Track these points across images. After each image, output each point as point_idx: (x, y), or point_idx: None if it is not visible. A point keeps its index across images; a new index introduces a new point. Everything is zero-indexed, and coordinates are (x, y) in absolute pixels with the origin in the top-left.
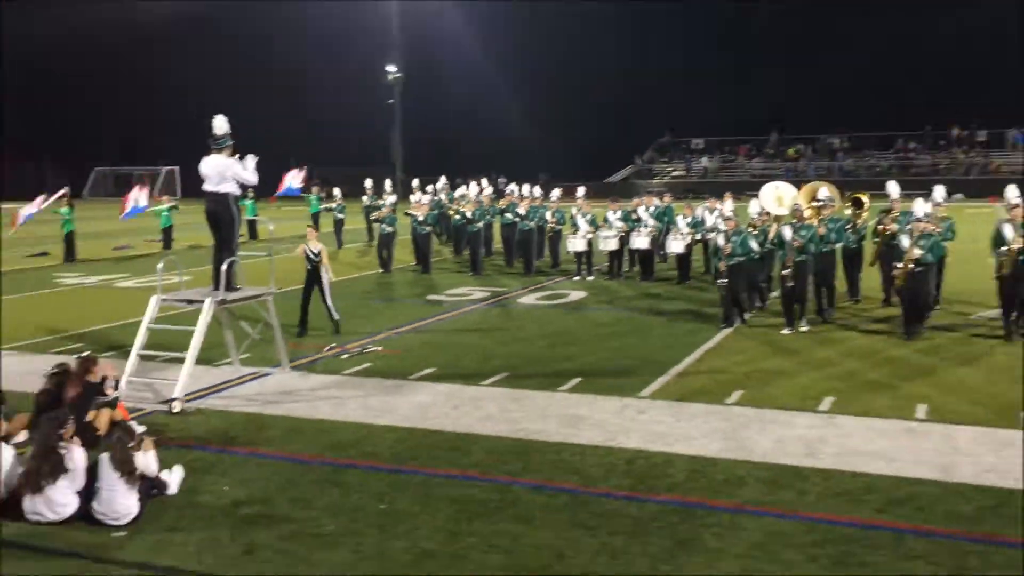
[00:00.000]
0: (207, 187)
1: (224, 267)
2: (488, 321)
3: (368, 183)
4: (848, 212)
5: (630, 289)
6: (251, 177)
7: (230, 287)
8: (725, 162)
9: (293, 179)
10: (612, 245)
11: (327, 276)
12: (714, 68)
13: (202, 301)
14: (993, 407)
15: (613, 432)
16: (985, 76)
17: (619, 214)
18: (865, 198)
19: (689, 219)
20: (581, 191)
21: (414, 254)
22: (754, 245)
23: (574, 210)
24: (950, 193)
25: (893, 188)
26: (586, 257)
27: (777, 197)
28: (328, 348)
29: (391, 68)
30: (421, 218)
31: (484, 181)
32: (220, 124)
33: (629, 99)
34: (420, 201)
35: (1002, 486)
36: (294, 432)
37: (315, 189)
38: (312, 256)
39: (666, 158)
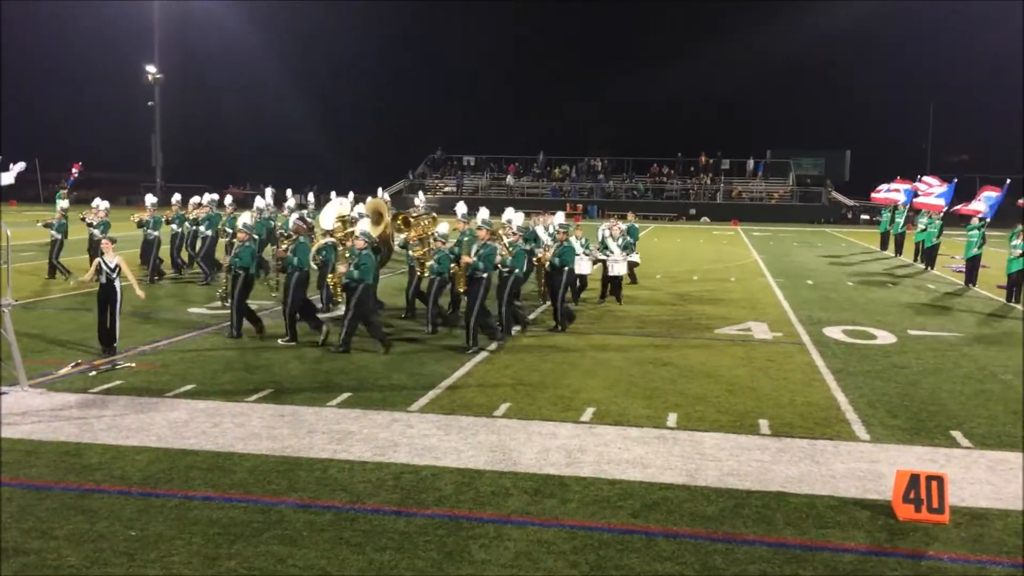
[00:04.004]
0: None
1: None
2: (254, 335)
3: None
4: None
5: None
6: None
7: None
8: (494, 179)
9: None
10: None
11: (139, 292)
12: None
13: None
14: (733, 414)
15: (382, 447)
16: (730, 111)
17: None
18: (412, 218)
19: None
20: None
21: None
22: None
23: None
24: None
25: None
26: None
27: (339, 215)
28: (73, 364)
29: (151, 68)
30: (95, 222)
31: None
32: None
33: (404, 114)
34: (97, 207)
35: (741, 488)
36: (31, 455)
37: (63, 192)
38: (108, 270)
39: (438, 174)
